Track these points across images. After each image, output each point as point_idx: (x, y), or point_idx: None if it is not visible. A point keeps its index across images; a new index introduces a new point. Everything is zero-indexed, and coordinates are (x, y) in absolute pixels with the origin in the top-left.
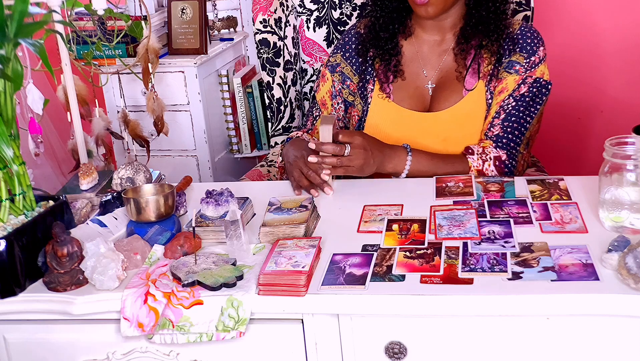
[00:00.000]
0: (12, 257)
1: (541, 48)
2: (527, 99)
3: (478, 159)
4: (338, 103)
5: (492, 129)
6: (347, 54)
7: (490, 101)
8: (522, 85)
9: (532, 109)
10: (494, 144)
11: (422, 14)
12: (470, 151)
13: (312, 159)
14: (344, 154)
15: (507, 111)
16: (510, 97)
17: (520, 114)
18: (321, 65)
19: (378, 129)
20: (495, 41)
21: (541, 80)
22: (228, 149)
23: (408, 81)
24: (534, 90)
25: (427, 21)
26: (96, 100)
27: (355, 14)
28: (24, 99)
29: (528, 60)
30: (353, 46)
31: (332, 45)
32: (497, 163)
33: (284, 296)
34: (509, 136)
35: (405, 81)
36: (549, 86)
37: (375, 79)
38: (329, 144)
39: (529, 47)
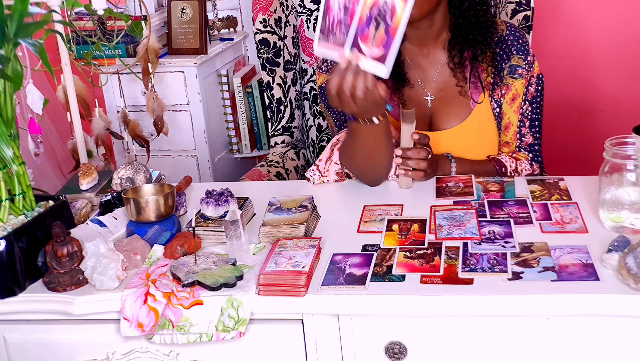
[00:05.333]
0: (12, 257)
1: (529, 44)
2: (537, 99)
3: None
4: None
5: (523, 139)
6: None
7: (497, 110)
8: (530, 87)
9: (542, 107)
10: (529, 156)
11: None
12: (504, 170)
13: (397, 152)
14: (427, 158)
15: (529, 117)
16: (526, 103)
17: (538, 116)
18: (316, 70)
19: None
20: (488, 48)
21: (540, 75)
22: (228, 149)
23: (407, 95)
24: (539, 88)
25: (411, 31)
26: (96, 100)
27: None
28: (24, 99)
29: (526, 60)
30: None
31: (319, 64)
32: None
33: (284, 296)
34: (537, 141)
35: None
36: (543, 78)
37: None
38: (414, 149)
39: (522, 48)
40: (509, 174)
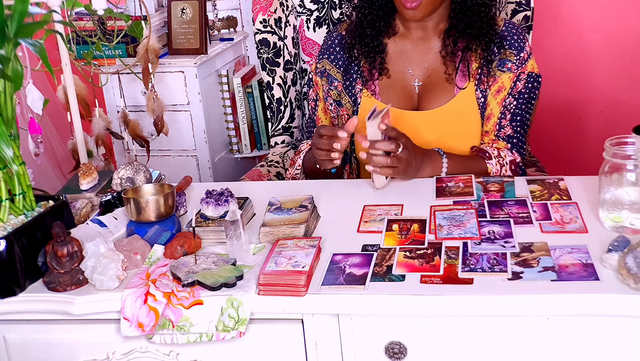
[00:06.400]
0: (12, 257)
1: (527, 43)
2: (525, 95)
3: (496, 164)
4: (331, 104)
5: (502, 130)
6: (332, 57)
7: (481, 100)
8: (518, 82)
9: (530, 105)
10: (508, 146)
11: (409, 17)
12: (487, 155)
13: (362, 155)
14: (398, 152)
15: (512, 110)
16: (510, 97)
17: (523, 112)
18: (309, 72)
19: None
20: (485, 44)
21: (533, 74)
22: (228, 149)
23: (394, 79)
24: (529, 85)
25: (410, 22)
26: (96, 100)
27: (355, 13)
28: (24, 99)
29: (518, 56)
30: (337, 49)
31: (317, 52)
32: (512, 167)
33: (284, 296)
34: (518, 135)
35: (391, 80)
36: (540, 79)
37: (364, 79)
38: (382, 141)
39: (516, 44)
40: (493, 158)
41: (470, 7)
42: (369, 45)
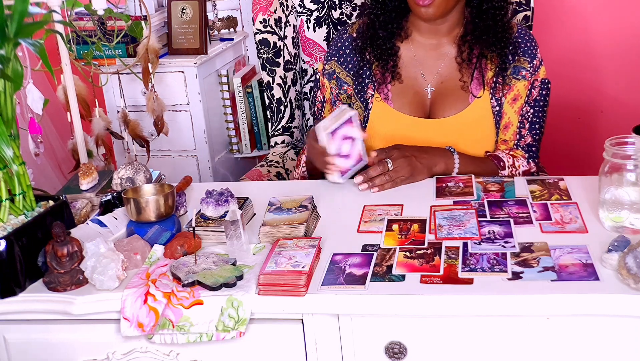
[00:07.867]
0: (12, 257)
1: (538, 49)
2: (540, 103)
3: (509, 174)
4: None
5: (522, 139)
6: (342, 59)
7: (496, 108)
8: (533, 90)
9: (545, 112)
10: (526, 155)
11: (422, 15)
12: (501, 164)
13: (359, 181)
14: (389, 169)
15: (529, 119)
16: (527, 105)
17: (539, 120)
18: (316, 72)
19: (380, 136)
20: (501, 50)
21: (546, 80)
22: (228, 149)
23: (406, 85)
24: (543, 92)
25: (424, 24)
26: (96, 100)
27: (355, 14)
28: (24, 99)
29: (531, 64)
30: (347, 51)
31: (325, 52)
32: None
33: (284, 296)
34: (536, 144)
35: (403, 86)
36: (550, 85)
37: (376, 83)
38: (371, 168)
39: (529, 51)
40: (506, 168)
41: (486, 10)
42: (381, 47)
